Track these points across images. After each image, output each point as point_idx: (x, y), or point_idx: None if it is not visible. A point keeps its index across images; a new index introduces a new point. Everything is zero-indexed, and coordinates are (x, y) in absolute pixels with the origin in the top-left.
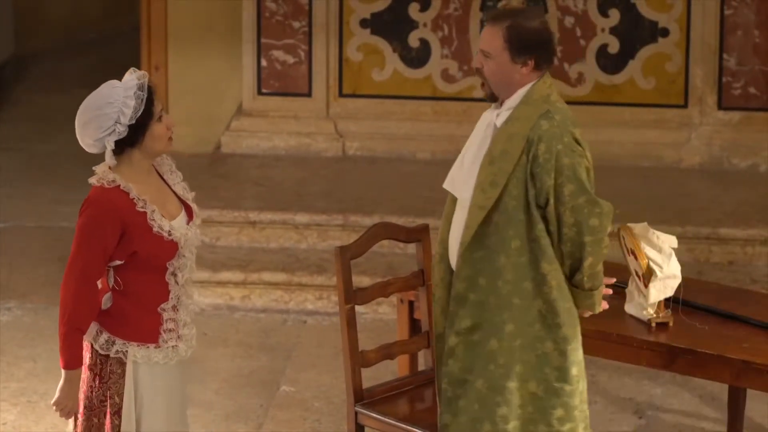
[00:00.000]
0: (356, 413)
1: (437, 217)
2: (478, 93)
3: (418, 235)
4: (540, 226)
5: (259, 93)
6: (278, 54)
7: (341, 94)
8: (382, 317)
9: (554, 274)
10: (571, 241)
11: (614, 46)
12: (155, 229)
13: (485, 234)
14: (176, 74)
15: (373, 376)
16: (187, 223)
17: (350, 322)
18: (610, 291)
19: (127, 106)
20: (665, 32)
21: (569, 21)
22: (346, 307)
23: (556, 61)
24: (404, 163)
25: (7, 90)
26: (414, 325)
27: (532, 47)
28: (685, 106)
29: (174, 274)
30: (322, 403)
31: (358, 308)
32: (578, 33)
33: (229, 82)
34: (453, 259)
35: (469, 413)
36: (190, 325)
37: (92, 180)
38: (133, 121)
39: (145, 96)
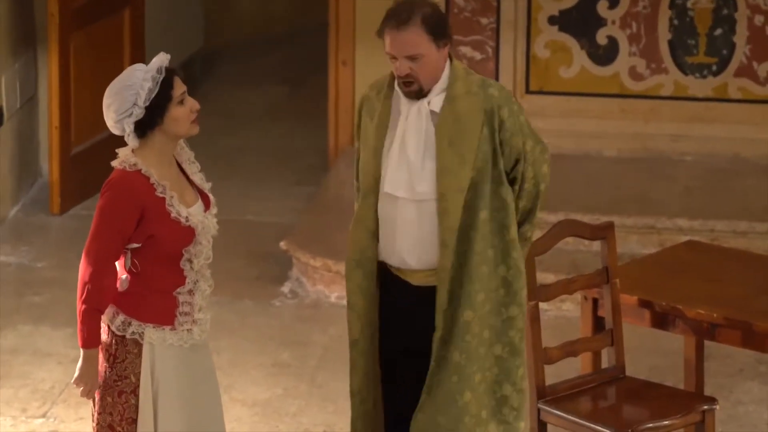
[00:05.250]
0: (539, 410)
1: (624, 215)
2: (666, 91)
3: (603, 232)
4: (507, 194)
5: None
6: (466, 50)
7: (528, 91)
8: (565, 314)
9: (518, 238)
10: (528, 195)
11: None
12: (173, 215)
13: None
14: (363, 70)
15: (556, 374)
16: (204, 212)
17: (534, 318)
18: None
19: (143, 89)
20: None
21: (759, 20)
22: (530, 303)
23: (745, 60)
24: (590, 160)
25: (194, 84)
26: (598, 323)
27: (444, 26)
28: None
29: (189, 261)
30: None
31: (541, 305)
32: None
33: None
34: (406, 258)
35: (448, 385)
36: (205, 309)
37: (115, 163)
38: (148, 103)
39: (161, 78)
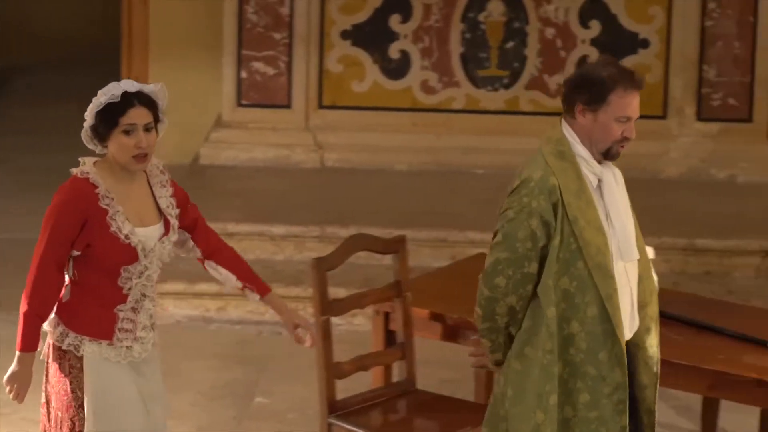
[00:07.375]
0: (329, 424)
1: (415, 229)
2: (458, 104)
3: (395, 246)
4: None
5: (239, 104)
6: (258, 65)
7: (321, 106)
8: (357, 329)
9: None
10: None
11: (595, 57)
12: (112, 229)
13: None
14: None
15: (347, 388)
16: (161, 237)
17: (325, 333)
18: None
19: (100, 101)
20: (646, 43)
21: (550, 32)
22: (321, 318)
23: (536, 72)
24: (383, 174)
25: None
26: (389, 337)
27: None
28: (664, 117)
29: (129, 279)
30: (296, 415)
31: (333, 319)
32: (559, 44)
33: (210, 94)
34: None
35: None
36: (149, 328)
37: (72, 170)
38: (92, 113)
39: (115, 102)
